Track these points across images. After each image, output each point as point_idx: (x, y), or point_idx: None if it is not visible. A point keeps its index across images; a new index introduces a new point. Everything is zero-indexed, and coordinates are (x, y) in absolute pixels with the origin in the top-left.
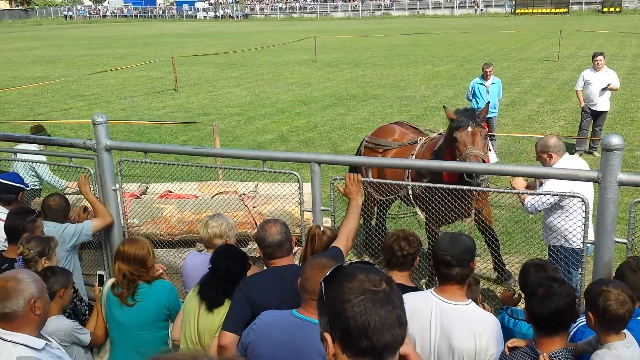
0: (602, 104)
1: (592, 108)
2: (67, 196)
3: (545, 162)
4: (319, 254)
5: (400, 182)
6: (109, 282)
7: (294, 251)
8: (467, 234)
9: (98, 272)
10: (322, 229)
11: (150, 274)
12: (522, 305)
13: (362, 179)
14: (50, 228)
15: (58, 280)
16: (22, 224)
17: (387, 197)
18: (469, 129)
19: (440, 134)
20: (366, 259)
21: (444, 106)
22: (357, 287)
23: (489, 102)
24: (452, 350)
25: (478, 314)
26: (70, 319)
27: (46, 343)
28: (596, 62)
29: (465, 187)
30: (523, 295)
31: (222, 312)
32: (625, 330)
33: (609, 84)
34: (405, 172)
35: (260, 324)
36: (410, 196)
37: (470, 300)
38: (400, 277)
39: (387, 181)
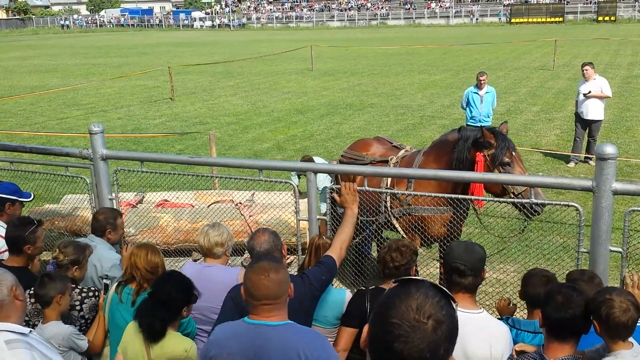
0: (593, 112)
1: (583, 117)
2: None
3: None
4: (255, 259)
5: (399, 191)
6: (114, 285)
7: (289, 260)
8: (478, 243)
9: (104, 280)
10: (324, 239)
11: None
12: (521, 314)
13: (358, 188)
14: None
15: (55, 287)
16: (22, 235)
17: (367, 219)
18: (514, 153)
19: (407, 150)
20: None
21: (481, 126)
22: (401, 311)
23: (506, 122)
24: (467, 359)
25: (492, 322)
26: (68, 325)
27: (30, 330)
28: (583, 72)
29: (453, 196)
30: (519, 305)
31: (181, 343)
32: (633, 340)
33: (589, 92)
34: (382, 196)
35: (214, 338)
36: (396, 224)
37: (482, 309)
38: None
39: (386, 190)
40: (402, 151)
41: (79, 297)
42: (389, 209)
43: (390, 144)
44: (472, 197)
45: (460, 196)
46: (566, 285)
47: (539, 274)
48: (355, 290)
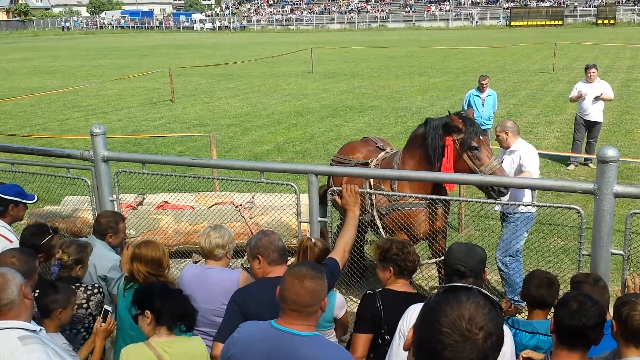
0: (595, 114)
1: (585, 118)
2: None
3: (504, 140)
4: (300, 262)
5: (400, 194)
6: (122, 280)
7: (289, 262)
8: (479, 245)
9: (105, 306)
10: (313, 240)
11: (165, 273)
12: (522, 315)
13: (360, 190)
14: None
15: (57, 300)
16: (37, 243)
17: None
18: (482, 137)
19: (387, 152)
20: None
21: (449, 111)
22: (453, 320)
23: (471, 107)
24: None
25: None
26: (63, 340)
27: (40, 328)
28: (589, 75)
29: (444, 198)
30: (524, 306)
31: (192, 344)
32: None
33: (601, 94)
34: (366, 195)
35: (239, 337)
36: (377, 220)
37: None
38: (404, 285)
39: (389, 192)
40: (383, 153)
41: (85, 294)
42: (374, 206)
43: (374, 145)
44: (457, 199)
45: (443, 197)
46: (583, 294)
47: (541, 276)
48: (365, 293)
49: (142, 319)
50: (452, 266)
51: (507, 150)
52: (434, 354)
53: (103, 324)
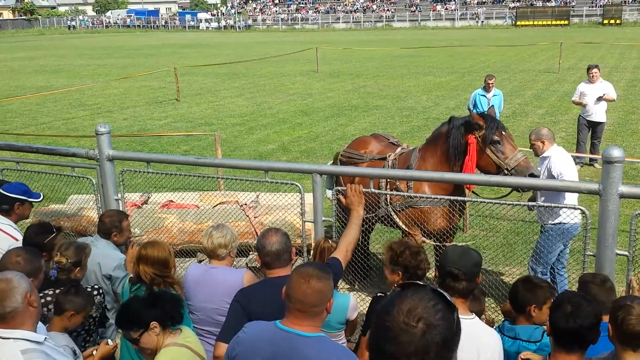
0: (598, 114)
1: (588, 119)
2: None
3: (539, 148)
4: (307, 263)
5: (405, 194)
6: (127, 280)
7: (293, 262)
8: (474, 248)
9: (109, 340)
10: (330, 242)
11: (172, 274)
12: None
13: (364, 189)
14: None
15: (74, 302)
16: (40, 243)
17: (367, 215)
18: (504, 132)
19: (404, 148)
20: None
21: (469, 108)
22: (393, 314)
23: (492, 106)
24: None
25: (482, 328)
26: (67, 340)
27: (45, 337)
28: (591, 75)
29: (457, 198)
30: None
31: (189, 330)
32: None
33: (604, 94)
34: (381, 190)
35: (244, 336)
36: (394, 215)
37: (473, 314)
38: None
39: (393, 192)
40: (399, 148)
41: None
42: (389, 202)
43: (387, 141)
44: (471, 199)
45: (459, 198)
46: (577, 294)
47: (525, 281)
48: (376, 295)
49: (149, 334)
50: (446, 269)
51: (540, 157)
52: (380, 348)
53: (110, 342)
